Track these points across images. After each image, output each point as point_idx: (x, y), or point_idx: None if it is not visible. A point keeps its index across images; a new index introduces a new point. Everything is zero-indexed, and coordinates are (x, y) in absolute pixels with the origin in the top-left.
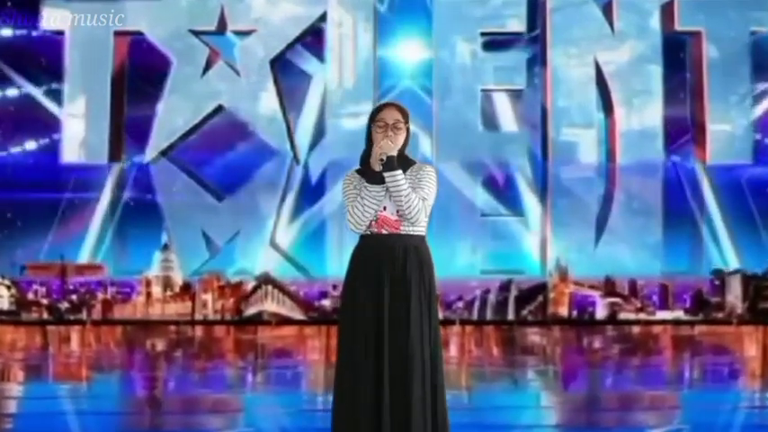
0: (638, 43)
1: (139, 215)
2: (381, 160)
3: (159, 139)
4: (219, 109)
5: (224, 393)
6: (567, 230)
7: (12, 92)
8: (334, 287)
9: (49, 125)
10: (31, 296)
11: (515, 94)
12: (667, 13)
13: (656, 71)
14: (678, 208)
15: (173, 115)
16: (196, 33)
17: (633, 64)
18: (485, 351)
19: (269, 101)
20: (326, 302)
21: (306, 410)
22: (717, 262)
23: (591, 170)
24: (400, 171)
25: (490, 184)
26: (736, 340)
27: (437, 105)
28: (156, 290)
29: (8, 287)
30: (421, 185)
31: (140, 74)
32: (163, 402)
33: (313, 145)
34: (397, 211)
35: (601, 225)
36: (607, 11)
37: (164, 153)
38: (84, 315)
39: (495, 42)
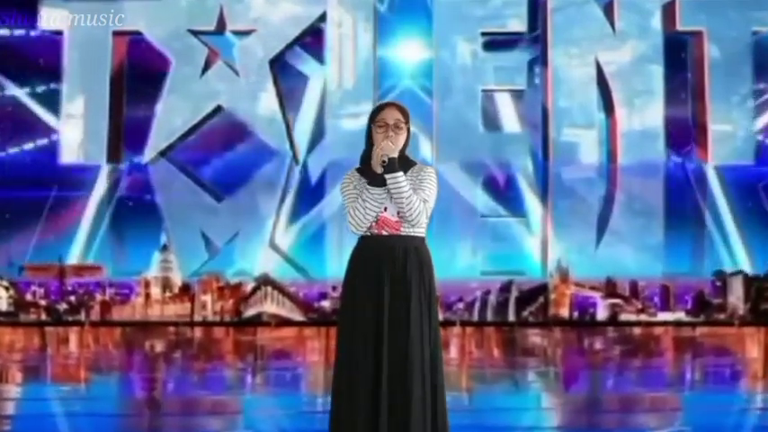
0: (640, 43)
1: (138, 216)
2: (383, 162)
3: (158, 139)
4: (218, 109)
5: (223, 395)
6: (568, 231)
7: (10, 92)
8: (334, 288)
9: (48, 125)
10: (29, 297)
11: (516, 95)
12: (669, 12)
13: (657, 71)
14: (679, 209)
15: (171, 115)
16: (195, 33)
17: (634, 64)
18: (485, 352)
19: (268, 101)
20: (326, 304)
21: (305, 412)
22: (719, 263)
23: (592, 171)
24: (401, 173)
25: (491, 184)
26: (737, 342)
27: (437, 106)
28: (155, 291)
29: (6, 288)
30: (422, 187)
31: (139, 74)
32: (162, 404)
33: (313, 145)
34: (398, 212)
35: (602, 226)
36: (608, 11)
37: (162, 153)
38: (82, 316)
39: (496, 42)
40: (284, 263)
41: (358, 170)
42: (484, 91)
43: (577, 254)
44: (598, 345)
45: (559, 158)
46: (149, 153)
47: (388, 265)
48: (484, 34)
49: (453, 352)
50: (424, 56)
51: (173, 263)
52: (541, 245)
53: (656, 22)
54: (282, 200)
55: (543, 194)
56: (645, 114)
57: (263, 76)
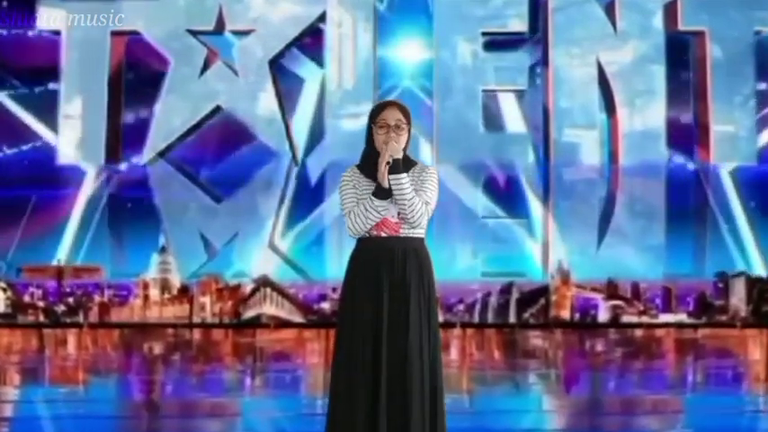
0: (641, 43)
1: (137, 217)
2: (388, 163)
3: (157, 140)
4: (218, 109)
5: (222, 397)
6: (569, 232)
7: (8, 92)
8: (334, 290)
9: (46, 126)
10: (27, 299)
11: (517, 95)
12: (670, 12)
13: (658, 71)
14: (681, 210)
15: (170, 116)
16: (194, 33)
17: (636, 64)
18: (486, 354)
19: (268, 101)
20: (326, 305)
21: (305, 414)
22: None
23: (593, 171)
24: (406, 175)
25: (491, 185)
26: (739, 343)
27: (438, 106)
28: (154, 292)
29: (4, 289)
30: (424, 188)
31: (137, 74)
32: (160, 406)
33: (312, 146)
34: (398, 214)
35: (603, 227)
36: (609, 10)
37: (161, 154)
38: (80, 318)
39: (497, 42)
40: (284, 264)
41: (358, 167)
42: (484, 91)
43: (578, 255)
44: (599, 347)
45: (560, 159)
46: (148, 154)
47: (388, 267)
48: (484, 34)
49: (454, 354)
50: (424, 56)
51: (171, 264)
52: (542, 246)
53: (658, 21)
54: (282, 201)
55: (544, 195)
56: (646, 115)
57: (263, 77)
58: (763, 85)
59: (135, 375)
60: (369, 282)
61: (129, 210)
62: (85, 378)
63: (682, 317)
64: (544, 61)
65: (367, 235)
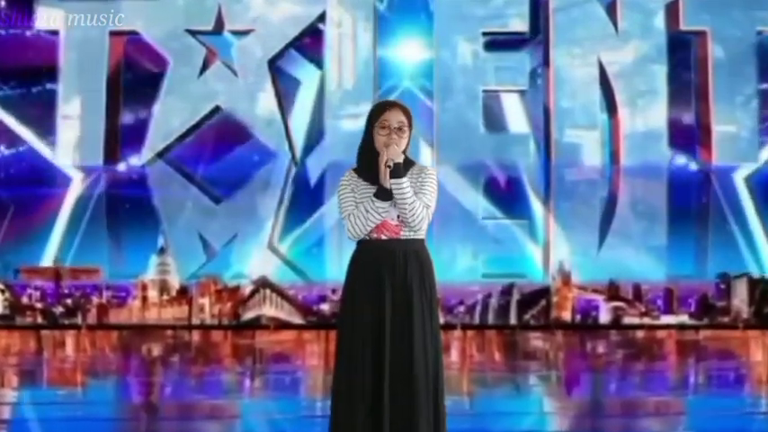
0: (643, 43)
1: (135, 218)
2: (389, 166)
3: (155, 140)
4: (217, 110)
5: (221, 399)
6: (570, 233)
7: (6, 92)
8: (334, 291)
9: (44, 126)
10: (25, 300)
11: (518, 95)
12: (672, 12)
13: (660, 71)
14: (683, 210)
15: (169, 116)
16: (193, 33)
17: (637, 64)
18: (486, 356)
19: (267, 102)
20: (325, 307)
21: (304, 416)
22: (723, 265)
23: (594, 172)
24: (407, 179)
25: (492, 186)
26: (741, 345)
27: (438, 106)
28: (153, 294)
29: (2, 291)
30: (423, 191)
31: (136, 74)
32: (159, 408)
33: (312, 146)
34: (398, 216)
35: (604, 228)
36: (611, 10)
37: (160, 155)
38: (79, 319)
39: (497, 42)
40: (283, 265)
41: (356, 171)
42: (485, 91)
43: (580, 256)
44: (601, 348)
45: (561, 160)
46: (147, 154)
47: (389, 270)
48: (485, 34)
49: (454, 355)
50: (424, 56)
51: (170, 265)
52: (543, 247)
53: (660, 21)
54: (281, 201)
55: (545, 196)
56: (648, 115)
57: (262, 77)
58: (765, 86)
59: (134, 377)
60: (370, 284)
61: (127, 211)
62: (84, 380)
63: (683, 318)
64: (545, 61)
65: (367, 237)
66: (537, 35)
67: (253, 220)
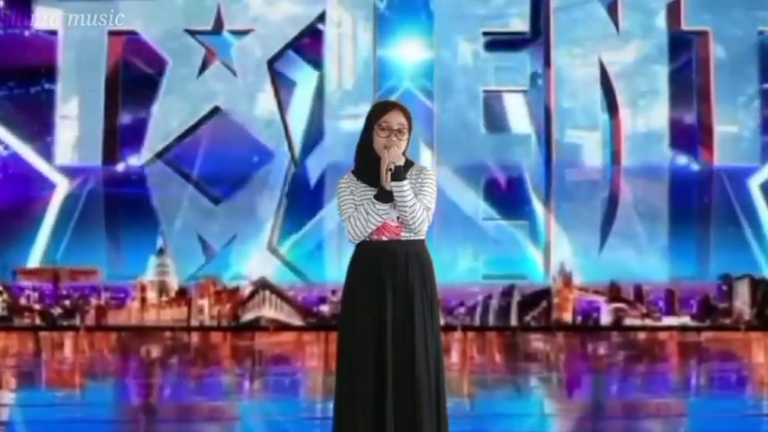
0: (644, 43)
1: (134, 218)
2: (390, 169)
3: (154, 140)
4: (216, 110)
5: (220, 401)
6: (571, 234)
7: (3, 92)
8: (334, 292)
9: (42, 126)
10: (23, 301)
11: (518, 96)
12: (673, 12)
13: (661, 71)
14: (685, 211)
15: (168, 117)
16: (192, 33)
17: (638, 64)
18: (487, 358)
19: (266, 102)
20: (325, 308)
21: (304, 418)
22: (725, 266)
23: (595, 173)
24: (407, 182)
25: (492, 187)
26: (743, 347)
27: (438, 107)
28: (152, 295)
29: (0, 292)
30: (423, 192)
31: (135, 74)
32: (158, 410)
33: (312, 147)
34: (398, 218)
35: (605, 229)
36: (612, 10)
37: (159, 155)
38: (77, 321)
39: (498, 42)
40: (282, 266)
41: (354, 173)
42: (485, 92)
43: (581, 257)
44: (602, 350)
45: (562, 160)
46: (145, 155)
47: (390, 271)
48: (485, 34)
49: (455, 357)
50: (424, 56)
51: (169, 266)
52: (544, 248)
53: (661, 21)
54: (281, 202)
55: (546, 197)
56: (649, 115)
57: (262, 77)
58: (767, 86)
59: (132, 379)
60: (371, 286)
61: (126, 211)
62: (82, 381)
63: (685, 320)
64: (546, 61)
65: (367, 239)
66: (538, 36)
67: (252, 221)
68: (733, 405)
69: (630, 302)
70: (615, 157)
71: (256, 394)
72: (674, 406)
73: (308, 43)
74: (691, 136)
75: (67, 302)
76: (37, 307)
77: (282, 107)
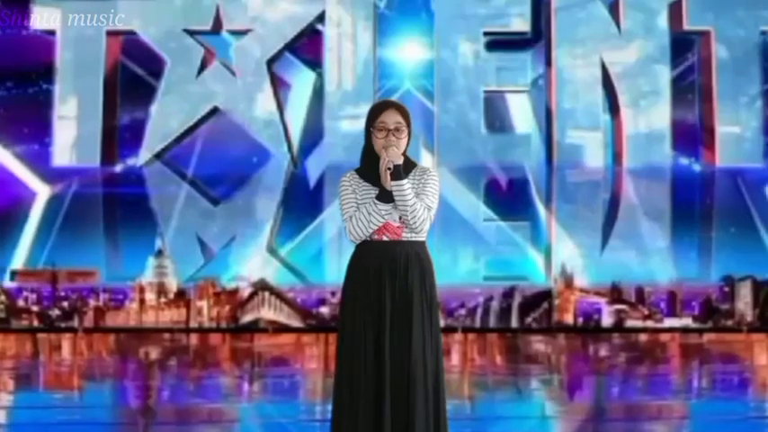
0: (646, 43)
1: (132, 219)
2: (389, 169)
3: (153, 141)
4: (215, 111)
5: (220, 403)
6: (573, 236)
7: (1, 92)
8: (333, 294)
9: (40, 127)
10: (21, 303)
11: (519, 96)
12: (675, 12)
13: (663, 71)
14: (687, 212)
15: (167, 117)
16: (191, 33)
17: (640, 64)
18: (488, 359)
19: (266, 102)
20: (325, 310)
21: (304, 420)
22: (727, 268)
23: (597, 173)
24: (407, 181)
25: (493, 188)
26: (746, 348)
27: (438, 107)
28: (150, 297)
29: None
30: (425, 192)
31: (133, 75)
32: (157, 412)
33: (311, 148)
34: (400, 218)
35: (607, 230)
36: (613, 10)
37: (158, 156)
38: (75, 322)
39: (499, 42)
40: (282, 268)
41: (357, 172)
42: (486, 92)
43: (582, 259)
44: (603, 352)
45: (563, 161)
46: (144, 155)
47: (390, 272)
48: (486, 34)
49: (455, 359)
50: (424, 56)
51: (168, 268)
52: (545, 250)
53: (663, 21)
54: (280, 203)
55: (547, 198)
56: (651, 116)
57: (261, 77)
58: None
59: (131, 381)
60: (370, 287)
61: (124, 212)
62: (80, 384)
63: (687, 321)
64: (547, 61)
65: (368, 239)
66: (539, 36)
67: (251, 222)
68: (735, 407)
69: (632, 304)
70: (617, 157)
71: (255, 396)
72: (676, 408)
73: (308, 43)
74: (693, 136)
75: (65, 304)
76: (35, 309)
77: (282, 107)
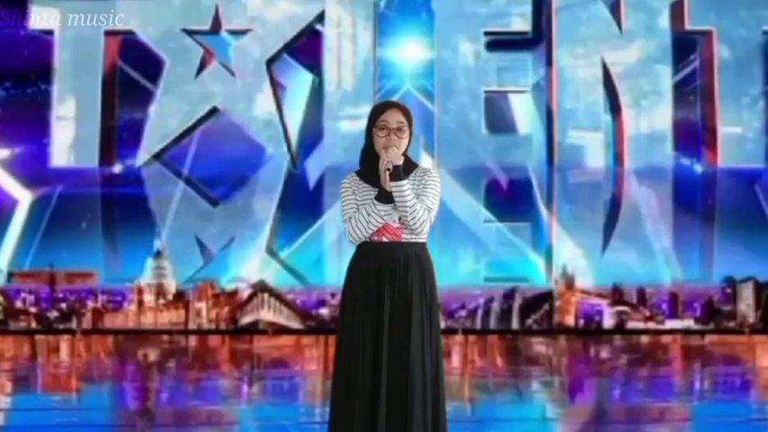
0: (647, 43)
1: (131, 220)
2: (388, 169)
3: (152, 141)
4: (214, 111)
5: (218, 405)
6: (574, 237)
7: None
8: (333, 295)
9: (39, 127)
10: (19, 304)
11: (520, 96)
12: (677, 11)
13: (665, 71)
14: (688, 213)
15: (166, 117)
16: (190, 33)
17: (642, 64)
18: (488, 361)
19: (265, 102)
20: (324, 311)
21: (303, 422)
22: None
23: (598, 174)
24: (407, 182)
25: (494, 188)
26: (748, 350)
27: (439, 107)
28: (149, 298)
29: None
30: (426, 193)
31: (132, 75)
32: (155, 414)
33: (311, 148)
34: (399, 218)
35: (608, 231)
36: (615, 9)
37: (156, 156)
38: (73, 324)
39: (500, 42)
40: (281, 269)
41: (358, 173)
42: (487, 92)
43: (583, 260)
44: (604, 353)
45: (564, 161)
46: (143, 156)
47: (389, 274)
48: (487, 34)
49: (455, 361)
50: (425, 56)
51: (166, 269)
52: (546, 251)
53: (664, 21)
54: (279, 204)
55: (548, 199)
56: (652, 116)
57: (260, 77)
58: None
59: (129, 383)
60: (369, 288)
61: (123, 213)
62: (79, 385)
63: (689, 323)
64: (548, 61)
65: (368, 240)
66: (540, 36)
67: (250, 223)
68: (737, 409)
69: (633, 305)
70: (618, 158)
71: (255, 398)
72: (678, 410)
73: (307, 43)
74: (694, 137)
75: (64, 305)
76: (33, 310)
77: (281, 108)
